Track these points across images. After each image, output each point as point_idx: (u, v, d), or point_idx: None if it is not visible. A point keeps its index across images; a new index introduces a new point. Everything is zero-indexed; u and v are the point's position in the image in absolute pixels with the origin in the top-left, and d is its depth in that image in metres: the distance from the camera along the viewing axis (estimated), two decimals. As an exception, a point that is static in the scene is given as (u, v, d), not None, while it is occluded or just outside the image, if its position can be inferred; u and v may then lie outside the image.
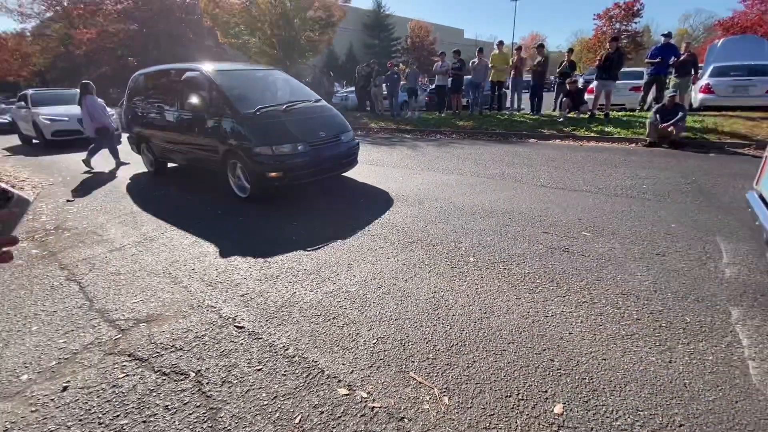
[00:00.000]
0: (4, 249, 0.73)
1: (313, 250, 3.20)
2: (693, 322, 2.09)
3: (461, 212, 3.90)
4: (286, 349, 2.03)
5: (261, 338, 2.13)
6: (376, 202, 4.37)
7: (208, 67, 4.99)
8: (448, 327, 2.15)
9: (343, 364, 1.91)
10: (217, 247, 3.35)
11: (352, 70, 15.07)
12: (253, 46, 19.01)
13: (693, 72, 8.41)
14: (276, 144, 4.16)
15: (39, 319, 2.40)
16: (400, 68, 16.09)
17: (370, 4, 40.29)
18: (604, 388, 1.70)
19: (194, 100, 4.79)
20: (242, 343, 2.09)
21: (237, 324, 2.25)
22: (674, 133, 6.51)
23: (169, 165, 6.24)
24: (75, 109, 8.26)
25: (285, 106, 4.57)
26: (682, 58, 8.29)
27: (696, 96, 9.70)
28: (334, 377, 1.83)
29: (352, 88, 16.38)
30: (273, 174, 4.14)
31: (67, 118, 9.38)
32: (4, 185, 0.70)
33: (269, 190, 4.52)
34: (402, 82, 12.61)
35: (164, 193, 5.28)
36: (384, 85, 12.07)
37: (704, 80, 9.58)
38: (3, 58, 26.68)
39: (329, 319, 2.26)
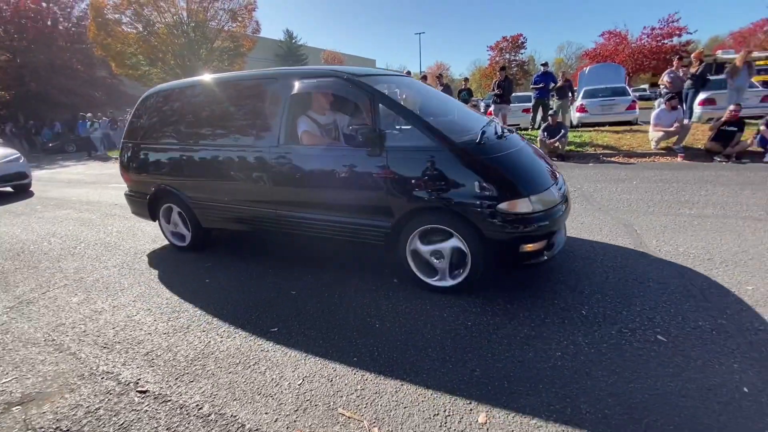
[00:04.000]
0: None
1: (233, 291, 2.98)
2: (588, 314, 2.35)
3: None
4: (200, 408, 1.83)
5: (170, 400, 1.89)
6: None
7: (343, 70, 2.92)
8: (376, 353, 2.14)
9: (266, 413, 1.78)
10: (115, 302, 2.95)
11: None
12: (155, 77, 17.76)
13: (570, 95, 9.88)
14: (534, 192, 2.45)
15: None
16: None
17: (281, 34, 40.50)
18: (519, 389, 1.81)
19: (329, 123, 3.16)
20: (147, 410, 1.84)
21: (140, 388, 1.98)
22: (560, 147, 7.50)
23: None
24: None
25: (496, 131, 2.81)
26: (559, 83, 9.70)
27: (574, 115, 11.36)
28: (257, 430, 1.69)
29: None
30: (530, 247, 2.44)
31: None
32: None
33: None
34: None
35: (40, 240, 4.55)
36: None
37: (579, 101, 11.32)
38: None
39: (250, 366, 2.10)
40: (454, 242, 2.56)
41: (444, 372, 1.95)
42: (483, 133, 2.55)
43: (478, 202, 2.41)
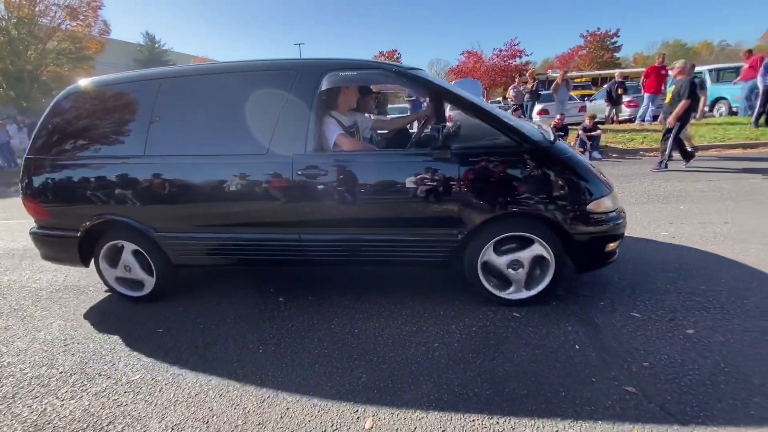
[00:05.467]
0: None
1: (74, 343, 2.47)
2: (462, 304, 2.60)
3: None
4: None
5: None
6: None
7: (388, 63, 2.73)
8: (260, 380, 2.00)
9: (123, 480, 1.51)
10: None
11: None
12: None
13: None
14: (611, 190, 2.41)
15: None
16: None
17: (141, 38, 35.94)
18: (402, 386, 1.89)
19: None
20: None
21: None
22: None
23: None
24: None
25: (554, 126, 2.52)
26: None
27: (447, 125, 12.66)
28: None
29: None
30: (612, 245, 2.43)
31: None
32: None
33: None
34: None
35: None
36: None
37: (447, 112, 12.64)
38: None
39: (101, 428, 1.76)
40: (536, 249, 2.37)
41: (331, 385, 1.93)
42: (548, 132, 2.49)
43: (568, 204, 2.28)
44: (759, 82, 8.89)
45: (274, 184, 2.47)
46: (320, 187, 2.43)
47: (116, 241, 2.80)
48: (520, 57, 27.39)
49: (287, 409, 1.80)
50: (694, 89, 5.88)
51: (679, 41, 52.80)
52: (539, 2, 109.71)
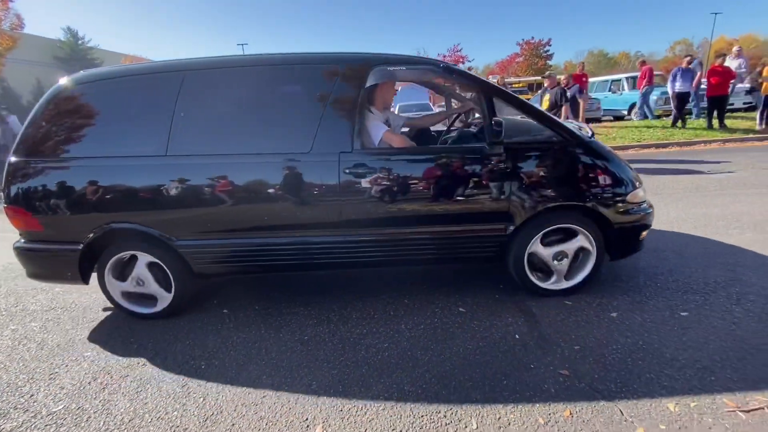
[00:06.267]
0: None
1: (-18, 374, 2.18)
2: (410, 303, 2.65)
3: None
4: None
5: None
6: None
7: (437, 60, 2.69)
8: (202, 399, 1.90)
9: None
10: None
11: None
12: None
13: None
14: (639, 186, 2.57)
15: None
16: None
17: (61, 33, 32.65)
18: (353, 389, 1.89)
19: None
20: None
21: None
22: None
23: None
24: None
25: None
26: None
27: (394, 127, 12.93)
28: None
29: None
30: (644, 234, 2.63)
31: None
32: None
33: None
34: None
35: None
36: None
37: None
38: None
39: (16, 468, 1.57)
40: (580, 240, 2.51)
41: (279, 395, 1.88)
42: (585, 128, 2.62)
43: (611, 196, 2.45)
44: (668, 88, 10.06)
45: (319, 183, 2.37)
46: (368, 186, 2.37)
47: (129, 253, 2.51)
48: (463, 63, 28.61)
49: (232, 425, 1.73)
50: (564, 95, 7.04)
51: (603, 51, 58.23)
52: (481, 9, 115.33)
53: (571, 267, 2.60)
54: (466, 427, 1.63)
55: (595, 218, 2.49)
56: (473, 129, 2.56)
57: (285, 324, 2.49)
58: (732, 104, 11.07)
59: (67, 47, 32.19)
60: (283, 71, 2.52)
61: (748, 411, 1.62)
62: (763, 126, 9.23)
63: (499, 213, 2.44)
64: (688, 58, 9.77)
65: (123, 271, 2.58)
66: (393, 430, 1.64)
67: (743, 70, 10.52)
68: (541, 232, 2.49)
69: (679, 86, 9.51)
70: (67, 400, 1.94)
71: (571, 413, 1.66)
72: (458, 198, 2.42)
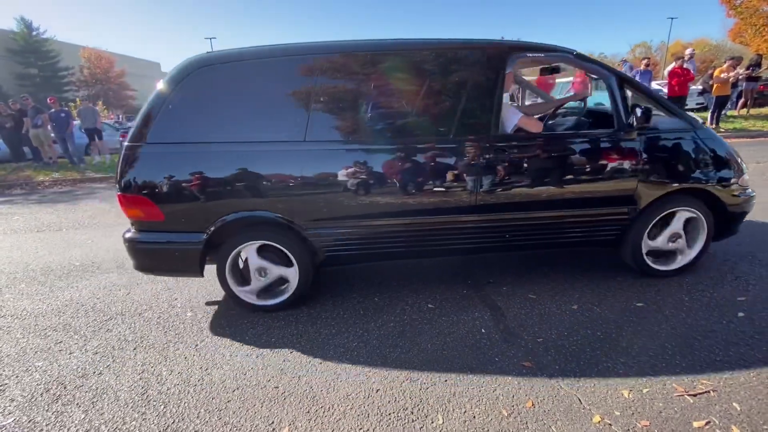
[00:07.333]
0: None
1: None
2: (380, 300, 2.66)
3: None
4: None
5: None
6: (45, 283, 3.26)
7: (569, 48, 2.58)
8: (162, 406, 1.83)
9: None
10: None
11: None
12: None
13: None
14: (745, 171, 2.74)
15: None
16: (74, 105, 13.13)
17: (14, 24, 30.59)
18: (320, 390, 1.88)
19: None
20: None
21: None
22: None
23: None
24: None
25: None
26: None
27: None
28: None
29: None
30: (746, 216, 2.84)
31: None
32: None
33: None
34: (75, 122, 10.33)
35: None
36: (50, 126, 9.43)
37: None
38: None
39: None
40: (681, 221, 2.67)
41: (244, 401, 1.84)
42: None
43: (728, 180, 2.62)
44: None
45: (460, 169, 2.38)
46: (507, 170, 2.42)
47: (261, 242, 2.43)
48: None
49: (196, 431, 1.68)
50: None
51: (570, 52, 60.01)
52: (453, 7, 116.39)
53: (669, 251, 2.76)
54: (432, 422, 1.65)
55: (709, 201, 2.65)
56: (581, 118, 2.81)
57: (252, 326, 2.44)
58: (686, 105, 11.72)
59: (20, 38, 30.23)
60: (424, 57, 2.44)
61: (695, 395, 1.72)
62: (714, 125, 9.83)
63: (624, 197, 2.54)
64: (646, 61, 10.25)
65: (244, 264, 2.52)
66: (360, 429, 1.64)
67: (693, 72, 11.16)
68: (660, 216, 2.62)
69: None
70: (17, 412, 1.83)
71: (533, 404, 1.72)
72: (585, 182, 2.51)
